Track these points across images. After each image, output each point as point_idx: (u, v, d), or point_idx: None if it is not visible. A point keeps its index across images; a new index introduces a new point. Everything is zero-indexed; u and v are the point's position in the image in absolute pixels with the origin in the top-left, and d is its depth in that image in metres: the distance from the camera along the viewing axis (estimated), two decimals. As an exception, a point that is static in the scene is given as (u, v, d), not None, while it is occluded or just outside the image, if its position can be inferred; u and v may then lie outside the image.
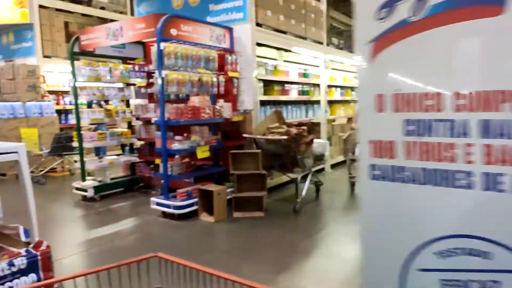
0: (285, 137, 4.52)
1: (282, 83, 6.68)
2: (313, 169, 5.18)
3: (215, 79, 4.85)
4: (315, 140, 5.09)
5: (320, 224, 4.37)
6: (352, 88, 9.99)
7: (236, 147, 5.12)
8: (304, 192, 4.94)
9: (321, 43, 6.91)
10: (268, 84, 6.31)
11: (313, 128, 5.01)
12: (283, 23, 5.71)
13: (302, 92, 7.25)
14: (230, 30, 5.11)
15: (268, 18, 5.39)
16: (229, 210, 4.60)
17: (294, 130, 4.63)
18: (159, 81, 4.27)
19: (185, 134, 4.59)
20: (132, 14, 9.38)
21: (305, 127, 4.81)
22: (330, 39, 7.68)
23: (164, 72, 4.24)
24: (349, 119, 9.23)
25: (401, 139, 1.46)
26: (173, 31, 4.31)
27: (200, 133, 4.77)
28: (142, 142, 6.13)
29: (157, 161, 5.61)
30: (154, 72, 4.52)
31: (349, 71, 10.59)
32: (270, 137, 4.64)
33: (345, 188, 5.93)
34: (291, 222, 4.46)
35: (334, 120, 8.27)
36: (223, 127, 5.27)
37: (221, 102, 5.05)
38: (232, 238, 4.09)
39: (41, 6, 8.11)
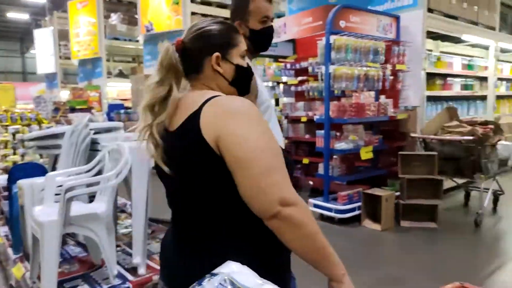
0: (470, 137, 3.88)
1: (443, 76, 5.91)
2: (497, 176, 4.38)
3: (381, 73, 4.43)
4: (500, 142, 4.29)
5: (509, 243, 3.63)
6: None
7: (396, 149, 4.63)
8: (486, 203, 4.20)
9: (493, 28, 5.90)
10: (429, 78, 5.63)
11: (498, 127, 4.22)
12: (455, 7, 4.98)
13: (465, 87, 6.33)
14: (397, 18, 4.63)
15: (440, 1, 4.75)
16: (394, 218, 4.15)
17: (479, 130, 3.95)
18: (325, 77, 4.04)
19: (344, 133, 4.29)
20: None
21: (492, 126, 4.07)
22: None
23: (332, 67, 3.99)
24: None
25: None
26: (342, 23, 4.04)
27: (355, 132, 4.41)
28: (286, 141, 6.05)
29: (305, 160, 5.45)
30: (305, 70, 4.34)
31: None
32: (448, 137, 4.04)
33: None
34: (474, 238, 3.80)
35: (499, 118, 7.06)
36: (382, 126, 4.82)
37: (382, 98, 4.62)
38: (410, 252, 3.61)
39: (192, 13, 8.70)
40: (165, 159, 1.00)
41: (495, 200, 4.72)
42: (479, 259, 3.28)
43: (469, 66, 6.32)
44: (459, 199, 5.17)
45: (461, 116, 5.98)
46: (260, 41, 1.57)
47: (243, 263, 0.84)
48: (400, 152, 4.21)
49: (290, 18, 4.68)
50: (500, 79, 7.44)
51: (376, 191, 4.12)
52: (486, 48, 6.61)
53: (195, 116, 0.94)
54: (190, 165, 0.96)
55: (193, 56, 1.03)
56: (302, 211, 0.90)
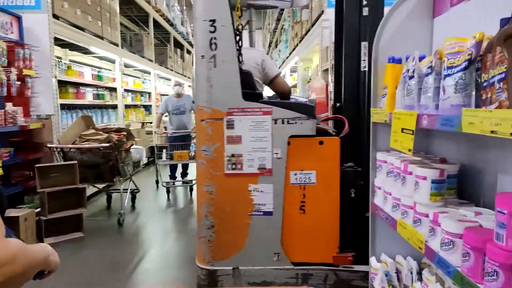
0: (107, 144, 4.11)
1: (76, 84, 5.95)
2: (133, 177, 4.90)
3: (4, 77, 3.85)
4: (133, 146, 4.84)
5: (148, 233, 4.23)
6: (141, 93, 9.86)
7: (32, 161, 4.22)
8: (126, 202, 4.62)
9: (117, 44, 6.53)
10: (61, 86, 5.49)
11: (130, 133, 4.74)
12: (80, 18, 5.09)
13: (97, 96, 6.65)
14: (19, 18, 4.16)
15: (66, 10, 4.71)
16: (36, 237, 3.77)
17: (115, 136, 4.26)
18: None
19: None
20: None
21: (124, 133, 4.50)
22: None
23: None
24: (143, 124, 9.09)
25: None
26: None
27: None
28: None
29: None
30: None
31: (137, 76, 10.41)
32: (87, 145, 4.10)
33: (154, 192, 5.90)
34: (119, 236, 4.09)
35: (129, 125, 7.96)
36: (12, 137, 4.23)
37: (9, 105, 4.05)
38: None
39: None
40: None
41: (133, 198, 5.30)
42: (125, 254, 3.55)
43: (99, 77, 6.71)
44: (102, 203, 5.40)
45: (97, 124, 6.24)
46: None
47: None
48: (37, 165, 3.85)
49: None
50: (126, 90, 8.38)
51: (12, 212, 3.57)
52: (113, 61, 7.24)
53: None
54: None
55: None
56: None
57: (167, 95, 9.15)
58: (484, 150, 1.58)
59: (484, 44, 1.17)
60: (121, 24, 9.22)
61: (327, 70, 4.11)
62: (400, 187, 1.68)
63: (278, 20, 10.73)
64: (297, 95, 5.06)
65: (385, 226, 2.03)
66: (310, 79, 6.67)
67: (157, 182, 6.27)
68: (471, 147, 1.67)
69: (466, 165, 1.67)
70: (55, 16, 4.51)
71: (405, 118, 1.54)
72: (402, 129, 1.56)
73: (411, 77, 1.58)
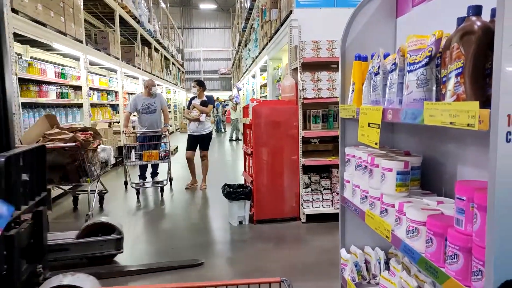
0: (73, 143, 3.98)
1: (38, 83, 5.72)
2: (100, 177, 4.76)
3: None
4: (100, 146, 4.71)
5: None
6: (108, 92, 9.60)
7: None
8: (93, 203, 4.49)
9: (81, 41, 6.32)
10: (22, 84, 5.27)
11: (97, 133, 4.60)
12: (42, 13, 4.89)
13: (61, 95, 6.42)
14: (-26, 12, 3.94)
15: (25, 5, 4.51)
16: None
17: (81, 136, 4.13)
18: None
19: None
20: None
21: (91, 132, 4.37)
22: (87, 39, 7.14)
23: None
24: (110, 124, 8.86)
25: None
26: None
27: None
28: None
29: None
30: None
31: (103, 75, 10.13)
32: (52, 145, 3.95)
33: (123, 193, 5.77)
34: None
35: (96, 125, 7.74)
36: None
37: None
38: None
39: None
40: None
41: (101, 199, 5.16)
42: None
43: (63, 75, 6.48)
44: (68, 205, 5.23)
45: (61, 123, 6.04)
46: None
47: None
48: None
49: None
50: (92, 89, 8.13)
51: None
52: (77, 59, 7.01)
53: None
54: None
55: None
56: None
57: (135, 94, 8.96)
58: (444, 143, 1.66)
59: (443, 42, 1.24)
60: (86, 20, 8.96)
61: (296, 69, 4.17)
62: (368, 180, 1.74)
63: (248, 19, 10.75)
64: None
65: (354, 218, 2.10)
66: (280, 78, 6.74)
67: (125, 183, 6.10)
68: (432, 141, 1.76)
69: (428, 157, 1.76)
70: (14, 11, 4.31)
71: (371, 113, 1.60)
72: (369, 123, 1.62)
73: (376, 74, 1.64)
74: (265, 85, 9.20)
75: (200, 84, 6.10)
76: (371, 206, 1.70)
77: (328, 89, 4.10)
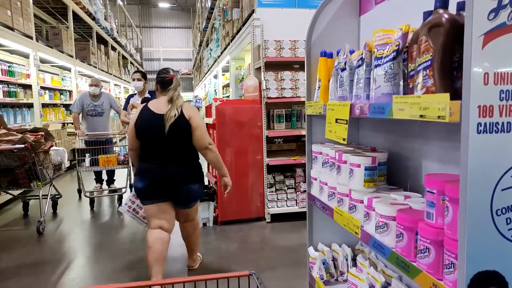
0: (22, 145, 3.70)
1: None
2: (53, 181, 4.47)
3: None
4: (52, 148, 4.42)
5: (71, 241, 3.91)
6: (61, 92, 9.13)
7: None
8: (46, 209, 4.21)
9: (31, 37, 5.93)
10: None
11: (49, 134, 4.32)
12: (-14, 5, 4.53)
13: (8, 94, 6.00)
14: None
15: (-33, -4, 4.15)
16: None
17: (31, 137, 3.86)
18: None
19: None
20: None
21: (42, 133, 4.09)
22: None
23: None
24: (64, 125, 8.42)
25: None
26: None
27: None
28: None
29: None
30: None
31: (55, 73, 9.63)
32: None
33: (78, 197, 5.47)
34: (38, 246, 3.71)
35: (48, 126, 7.31)
36: None
37: None
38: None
39: None
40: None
41: (54, 204, 4.86)
42: (48, 265, 3.23)
43: (10, 73, 6.06)
44: (18, 212, 4.88)
45: (9, 124, 5.64)
46: None
47: (195, 171, 2.70)
48: None
49: None
50: (43, 88, 7.68)
51: None
52: (26, 56, 6.57)
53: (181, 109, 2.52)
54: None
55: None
56: (215, 147, 2.72)
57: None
58: (409, 138, 1.69)
59: (410, 36, 1.24)
60: (37, 16, 8.45)
61: (259, 68, 4.14)
62: (336, 176, 1.73)
63: (209, 18, 10.61)
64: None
65: (320, 216, 2.09)
66: (242, 78, 6.69)
67: (79, 191, 5.52)
68: (397, 137, 1.78)
69: (393, 153, 1.77)
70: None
71: (338, 108, 1.59)
72: (337, 119, 1.60)
73: (343, 69, 1.63)
74: (227, 85, 9.12)
75: (145, 77, 4.94)
76: (339, 202, 1.69)
77: (291, 88, 4.11)
